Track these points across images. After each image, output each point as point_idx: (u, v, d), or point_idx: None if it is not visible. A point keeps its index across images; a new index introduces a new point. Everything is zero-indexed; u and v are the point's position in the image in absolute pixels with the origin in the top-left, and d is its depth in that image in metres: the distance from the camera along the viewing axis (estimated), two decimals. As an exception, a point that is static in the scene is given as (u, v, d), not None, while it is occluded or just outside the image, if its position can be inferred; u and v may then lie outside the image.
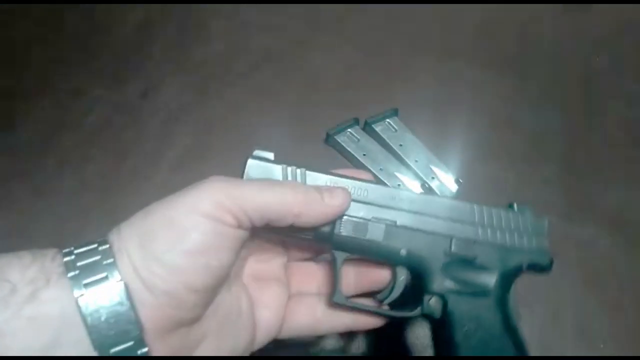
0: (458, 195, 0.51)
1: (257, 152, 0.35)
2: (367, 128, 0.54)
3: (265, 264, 0.37)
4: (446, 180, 0.51)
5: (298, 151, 0.54)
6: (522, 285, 0.46)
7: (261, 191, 0.29)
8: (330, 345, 0.43)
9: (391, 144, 0.53)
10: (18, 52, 0.61)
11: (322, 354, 0.43)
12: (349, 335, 0.44)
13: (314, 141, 0.55)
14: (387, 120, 0.54)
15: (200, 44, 0.63)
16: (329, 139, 0.54)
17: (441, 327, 0.34)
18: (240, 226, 0.29)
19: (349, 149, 0.52)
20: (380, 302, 0.36)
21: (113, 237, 0.28)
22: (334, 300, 0.34)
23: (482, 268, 0.34)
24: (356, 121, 0.54)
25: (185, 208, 0.28)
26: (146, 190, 0.50)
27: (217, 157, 0.53)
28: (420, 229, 0.34)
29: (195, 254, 0.27)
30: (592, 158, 0.55)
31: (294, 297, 0.36)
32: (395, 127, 0.54)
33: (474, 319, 0.33)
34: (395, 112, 0.55)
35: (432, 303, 0.34)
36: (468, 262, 0.34)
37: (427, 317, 0.35)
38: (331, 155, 0.54)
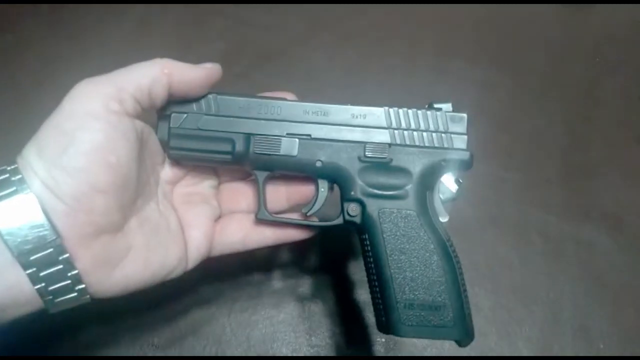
0: (459, 195, 0.51)
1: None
2: (367, 128, 0.54)
3: (194, 187, 0.38)
4: (446, 180, 0.51)
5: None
6: (522, 285, 0.47)
7: (130, 68, 0.32)
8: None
9: (391, 144, 0.53)
10: (18, 51, 0.61)
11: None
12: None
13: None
14: (387, 120, 0.54)
15: (200, 44, 0.63)
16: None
17: (363, 233, 0.35)
18: (127, 112, 0.30)
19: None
20: (306, 214, 0.37)
21: (18, 159, 0.30)
22: (258, 217, 0.36)
23: (399, 170, 0.35)
24: (356, 121, 0.54)
25: (67, 111, 0.30)
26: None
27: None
28: (333, 138, 0.35)
29: (89, 153, 0.29)
30: (592, 158, 0.55)
31: (225, 216, 0.39)
32: (396, 127, 0.54)
33: (393, 220, 0.34)
34: (395, 112, 0.55)
35: (352, 210, 0.35)
36: (384, 166, 0.35)
37: (350, 225, 0.36)
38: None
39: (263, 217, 0.37)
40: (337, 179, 0.36)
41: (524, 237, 0.49)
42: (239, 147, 0.35)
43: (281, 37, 0.64)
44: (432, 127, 0.36)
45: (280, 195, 0.38)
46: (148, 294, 0.44)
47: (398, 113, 0.37)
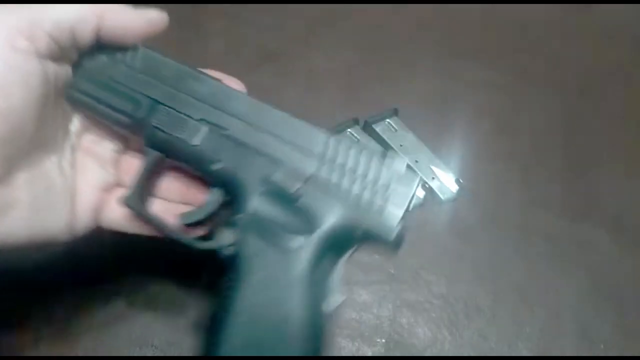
0: (459, 195, 0.51)
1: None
2: (367, 128, 0.54)
3: (96, 145, 0.33)
4: (447, 180, 0.51)
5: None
6: (522, 285, 0.47)
7: (55, 5, 0.27)
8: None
9: (391, 144, 0.53)
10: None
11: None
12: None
13: (314, 141, 0.54)
14: (387, 120, 0.54)
15: (200, 43, 0.63)
16: (329, 139, 0.53)
17: (229, 270, 0.28)
18: (37, 51, 0.25)
19: (349, 149, 0.52)
20: (184, 224, 0.31)
21: None
22: (125, 201, 0.30)
23: (305, 214, 0.27)
24: (356, 121, 0.54)
25: None
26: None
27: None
28: (246, 143, 0.29)
29: None
30: (593, 158, 0.55)
31: (118, 188, 0.33)
32: (395, 127, 0.54)
33: (270, 276, 0.26)
34: (395, 112, 0.55)
35: (227, 237, 0.28)
36: (288, 200, 0.27)
37: (218, 252, 0.28)
38: (331, 155, 0.54)
39: (129, 204, 0.30)
40: (231, 192, 0.29)
41: (524, 237, 0.49)
42: (141, 112, 0.29)
43: (281, 37, 0.64)
44: (371, 179, 0.28)
45: (173, 185, 0.33)
46: (148, 294, 0.44)
47: (338, 145, 0.29)
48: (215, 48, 0.62)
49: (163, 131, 0.29)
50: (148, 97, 0.30)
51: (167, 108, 0.30)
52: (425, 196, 0.50)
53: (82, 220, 0.31)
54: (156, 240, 0.33)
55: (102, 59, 0.30)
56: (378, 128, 0.53)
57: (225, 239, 0.28)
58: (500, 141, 0.56)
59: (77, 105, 0.31)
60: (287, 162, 0.28)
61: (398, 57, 0.63)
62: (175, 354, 0.42)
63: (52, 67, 0.27)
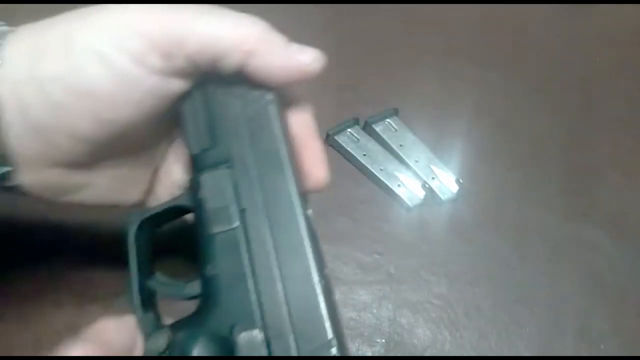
0: (459, 196, 0.51)
1: None
2: (367, 128, 0.54)
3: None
4: (446, 181, 0.51)
5: (298, 151, 0.54)
6: (522, 286, 0.47)
7: (203, 16, 0.22)
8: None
9: (391, 144, 0.53)
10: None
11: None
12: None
13: (314, 141, 0.54)
14: (387, 120, 0.54)
15: (200, 44, 0.63)
16: (329, 139, 0.53)
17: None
18: (165, 71, 0.22)
19: (349, 149, 0.52)
20: None
21: (8, 29, 0.23)
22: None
23: None
24: (356, 121, 0.54)
25: (95, 31, 0.21)
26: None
27: (217, 157, 0.53)
28: (258, 283, 0.21)
29: (83, 95, 0.21)
30: (593, 158, 0.55)
31: None
32: (396, 127, 0.54)
33: None
34: (395, 112, 0.55)
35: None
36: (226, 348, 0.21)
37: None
38: (331, 155, 0.54)
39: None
40: (202, 300, 0.23)
41: (524, 238, 0.49)
42: (209, 158, 0.24)
43: (281, 37, 0.64)
44: None
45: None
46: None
47: None
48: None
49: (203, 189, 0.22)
50: (228, 150, 0.23)
51: (228, 171, 0.22)
52: (425, 196, 0.50)
53: (152, 203, 0.29)
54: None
55: (225, 84, 0.24)
56: (378, 128, 0.53)
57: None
58: (500, 141, 0.56)
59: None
60: (270, 331, 0.20)
61: (398, 57, 0.62)
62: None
63: (174, 85, 0.23)
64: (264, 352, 0.19)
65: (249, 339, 0.19)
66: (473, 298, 0.45)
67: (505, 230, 0.50)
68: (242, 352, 0.19)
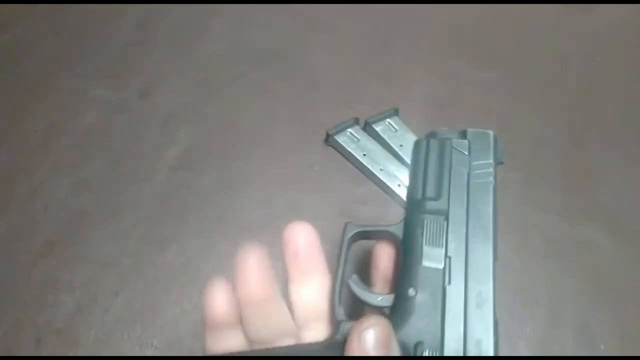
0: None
1: None
2: (367, 128, 0.54)
3: None
4: (446, 181, 0.51)
5: (298, 151, 0.54)
6: (522, 285, 0.47)
7: None
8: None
9: (391, 144, 0.53)
10: (17, 51, 0.61)
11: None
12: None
13: (314, 141, 0.54)
14: (387, 120, 0.54)
15: (200, 44, 0.63)
16: (329, 139, 0.53)
17: None
18: None
19: (349, 149, 0.52)
20: None
21: None
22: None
23: None
24: (356, 121, 0.54)
25: None
26: (146, 190, 0.50)
27: (217, 157, 0.53)
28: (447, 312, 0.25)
29: None
30: (592, 158, 0.55)
31: None
32: (396, 127, 0.54)
33: None
34: (395, 112, 0.55)
35: None
36: None
37: None
38: (331, 155, 0.54)
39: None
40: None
41: (524, 238, 0.49)
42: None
43: (281, 37, 0.64)
44: None
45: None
46: (146, 295, 0.44)
47: None
48: (215, 48, 0.63)
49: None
50: (448, 205, 0.28)
51: (445, 222, 0.27)
52: None
53: None
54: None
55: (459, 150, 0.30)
56: (378, 128, 0.53)
57: None
58: (499, 141, 0.56)
59: None
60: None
61: (398, 57, 0.62)
62: (175, 354, 0.42)
63: None
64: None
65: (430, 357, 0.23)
66: (473, 298, 0.45)
67: (505, 230, 0.50)
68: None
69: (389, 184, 0.50)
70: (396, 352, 0.22)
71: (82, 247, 0.46)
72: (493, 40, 0.65)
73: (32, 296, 0.44)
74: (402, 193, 0.50)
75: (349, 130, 0.53)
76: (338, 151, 0.54)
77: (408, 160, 0.51)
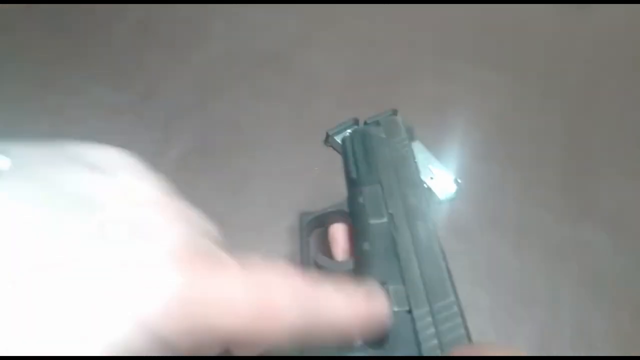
0: (458, 195, 0.51)
1: None
2: (367, 128, 0.54)
3: None
4: (445, 181, 0.51)
5: (298, 151, 0.54)
6: (521, 286, 0.47)
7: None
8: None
9: (391, 144, 0.53)
10: (18, 52, 0.62)
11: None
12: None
13: (314, 141, 0.55)
14: (387, 120, 0.54)
15: (201, 44, 0.63)
16: (329, 139, 0.54)
17: None
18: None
19: (348, 149, 0.53)
20: None
21: None
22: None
23: None
24: (356, 121, 0.54)
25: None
26: (146, 190, 0.51)
27: (218, 157, 0.53)
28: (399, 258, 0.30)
29: None
30: (592, 158, 0.55)
31: None
32: (395, 127, 0.54)
33: None
34: (394, 112, 0.55)
35: None
36: None
37: None
38: (331, 155, 0.54)
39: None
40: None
41: (523, 237, 0.49)
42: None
43: (281, 38, 0.64)
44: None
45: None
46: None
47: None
48: (216, 48, 0.63)
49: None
50: (379, 175, 0.32)
51: (380, 188, 0.31)
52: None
53: None
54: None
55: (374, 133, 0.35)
56: (378, 128, 0.54)
57: None
58: (499, 142, 0.56)
59: None
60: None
61: (398, 57, 0.63)
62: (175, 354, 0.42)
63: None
64: (405, 302, 0.26)
65: (396, 290, 0.26)
66: (471, 297, 0.45)
67: (504, 229, 0.50)
68: (392, 299, 0.26)
69: (388, 184, 0.50)
70: None
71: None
72: (493, 41, 0.65)
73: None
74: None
75: (349, 130, 0.54)
76: (338, 151, 0.54)
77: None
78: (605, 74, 0.62)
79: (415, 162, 0.33)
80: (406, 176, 0.32)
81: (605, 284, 0.47)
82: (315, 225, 0.34)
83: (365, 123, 0.54)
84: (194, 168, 0.52)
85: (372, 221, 0.30)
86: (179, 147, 0.54)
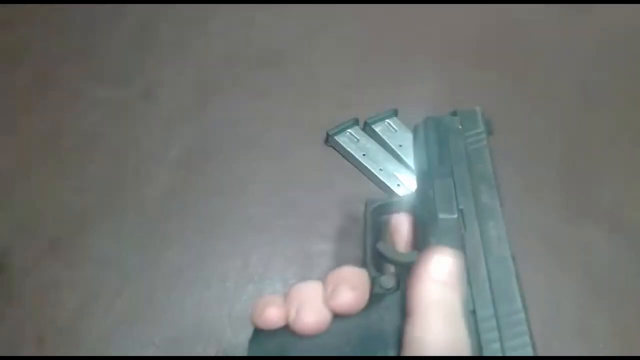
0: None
1: None
2: (367, 128, 0.54)
3: None
4: (446, 181, 0.51)
5: (298, 151, 0.54)
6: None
7: None
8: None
9: (391, 144, 0.53)
10: (18, 52, 0.62)
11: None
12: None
13: (314, 141, 0.55)
14: (387, 120, 0.54)
15: (201, 44, 0.63)
16: (329, 139, 0.54)
17: None
18: None
19: (348, 149, 0.53)
20: None
21: None
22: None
23: None
24: (356, 121, 0.54)
25: None
26: (147, 191, 0.51)
27: (218, 157, 0.53)
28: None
29: None
30: (592, 158, 0.55)
31: None
32: (395, 127, 0.54)
33: None
34: (395, 113, 0.55)
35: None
36: None
37: None
38: (331, 155, 0.54)
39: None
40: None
41: (523, 238, 0.49)
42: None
43: (281, 38, 0.64)
44: None
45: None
46: (148, 294, 0.44)
47: None
48: (216, 48, 0.63)
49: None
50: (451, 169, 0.32)
51: (452, 182, 0.31)
52: None
53: None
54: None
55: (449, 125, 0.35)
56: (378, 128, 0.54)
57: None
58: (499, 142, 0.55)
59: None
60: None
61: (398, 57, 0.63)
62: (176, 354, 0.42)
63: None
64: (470, 302, 0.25)
65: None
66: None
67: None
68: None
69: (388, 183, 0.50)
70: (464, 287, 0.24)
71: (84, 247, 0.47)
72: (492, 41, 0.65)
73: (34, 295, 0.44)
74: (402, 193, 0.50)
75: (349, 130, 0.54)
76: (338, 151, 0.54)
77: (407, 160, 0.52)
78: (605, 74, 0.62)
79: (492, 158, 0.32)
80: (480, 172, 0.31)
81: (605, 284, 0.47)
82: (380, 213, 0.33)
83: (366, 123, 0.54)
84: (194, 168, 0.52)
85: (442, 216, 0.28)
86: (179, 146, 0.54)
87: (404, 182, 0.51)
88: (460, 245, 0.27)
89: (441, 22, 0.66)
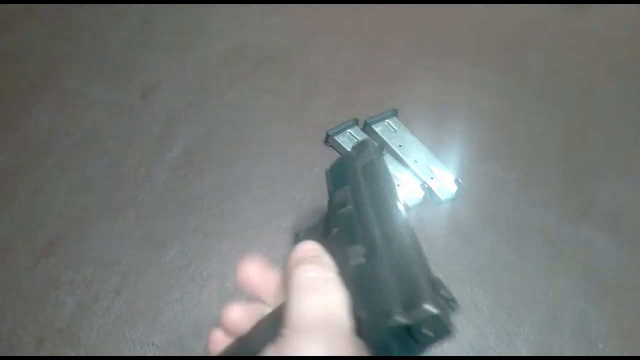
0: (458, 195, 0.51)
1: None
2: (367, 128, 0.54)
3: None
4: (445, 181, 0.51)
5: (298, 151, 0.54)
6: (521, 285, 0.47)
7: None
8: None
9: (391, 144, 0.53)
10: (19, 52, 0.62)
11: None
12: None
13: (314, 141, 0.55)
14: (387, 120, 0.54)
15: (201, 44, 0.63)
16: (329, 140, 0.54)
17: None
18: None
19: (348, 149, 0.53)
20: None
21: None
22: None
23: None
24: (356, 121, 0.54)
25: None
26: (147, 190, 0.51)
27: (218, 157, 0.54)
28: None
29: None
30: (592, 158, 0.55)
31: None
32: (395, 127, 0.54)
33: None
34: (394, 113, 0.55)
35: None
36: None
37: None
38: (331, 155, 0.54)
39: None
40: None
41: (523, 238, 0.49)
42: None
43: (281, 38, 0.64)
44: None
45: None
46: (148, 294, 0.44)
47: None
48: (215, 48, 0.63)
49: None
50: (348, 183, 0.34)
51: (349, 189, 0.33)
52: (424, 196, 0.51)
53: None
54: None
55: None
56: (378, 128, 0.54)
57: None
58: (499, 142, 0.56)
59: None
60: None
61: (398, 57, 0.63)
62: (176, 354, 0.42)
63: None
64: (362, 258, 0.28)
65: (355, 249, 0.28)
66: (472, 297, 0.45)
67: (504, 229, 0.50)
68: (350, 255, 0.28)
69: (388, 184, 0.50)
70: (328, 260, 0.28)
71: (83, 247, 0.47)
72: (492, 41, 0.65)
73: (34, 295, 0.44)
74: (402, 193, 0.50)
75: (349, 130, 0.54)
76: (338, 151, 0.54)
77: (407, 160, 0.52)
78: (605, 74, 0.62)
79: (385, 167, 0.34)
80: (372, 173, 0.34)
81: (605, 283, 0.47)
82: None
83: (366, 123, 0.54)
84: (193, 167, 0.52)
85: (339, 211, 0.32)
86: (178, 146, 0.54)
87: (404, 182, 0.51)
88: (357, 223, 0.30)
89: (441, 22, 0.66)
